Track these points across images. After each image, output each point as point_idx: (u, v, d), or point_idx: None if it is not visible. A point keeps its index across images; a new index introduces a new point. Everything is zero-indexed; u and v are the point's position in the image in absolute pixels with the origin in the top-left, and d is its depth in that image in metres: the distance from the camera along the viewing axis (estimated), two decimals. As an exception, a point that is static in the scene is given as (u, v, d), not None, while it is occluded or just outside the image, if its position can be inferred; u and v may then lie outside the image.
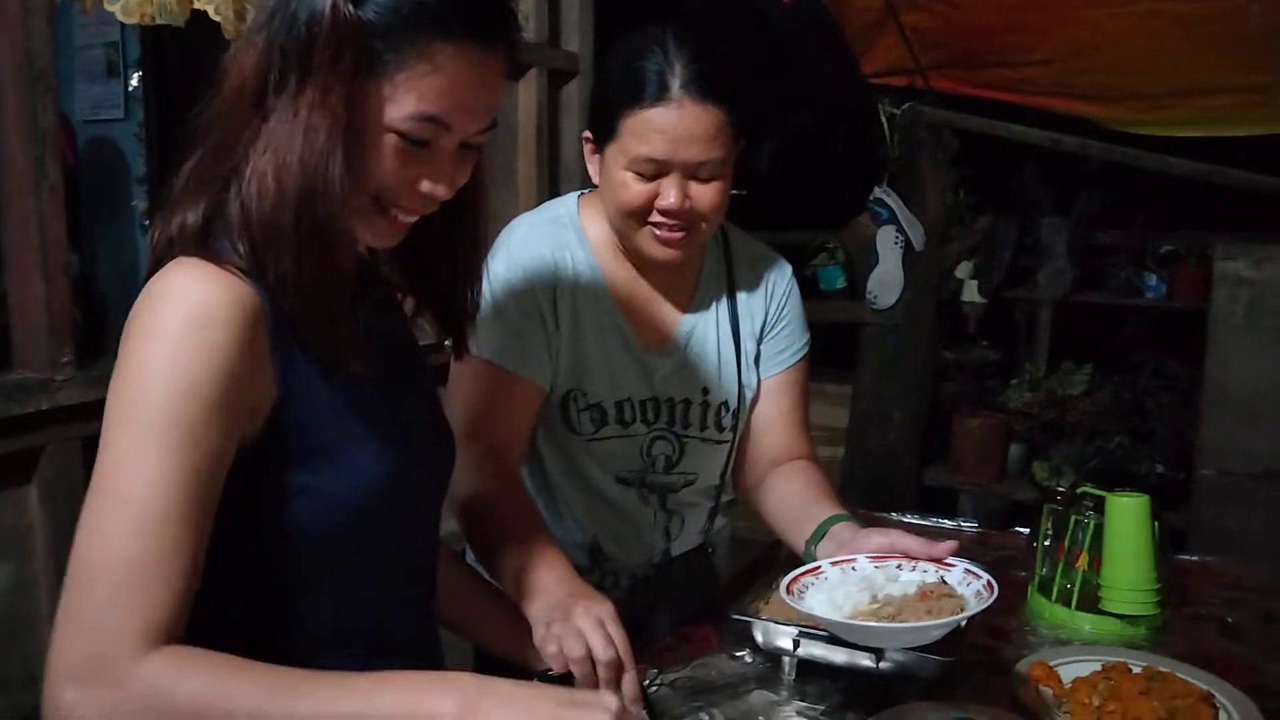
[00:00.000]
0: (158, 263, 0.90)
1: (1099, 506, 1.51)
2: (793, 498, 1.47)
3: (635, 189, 1.31)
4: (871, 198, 3.98)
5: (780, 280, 1.57)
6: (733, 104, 1.30)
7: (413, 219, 0.96)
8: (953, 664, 1.22)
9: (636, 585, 1.56)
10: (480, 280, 1.10)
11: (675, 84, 1.27)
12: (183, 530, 0.82)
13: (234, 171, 0.89)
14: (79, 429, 1.74)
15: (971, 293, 4.18)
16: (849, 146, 4.14)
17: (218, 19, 2.00)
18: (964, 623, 1.15)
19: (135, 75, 2.66)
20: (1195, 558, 1.77)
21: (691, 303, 1.50)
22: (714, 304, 1.51)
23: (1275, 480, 3.12)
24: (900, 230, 3.92)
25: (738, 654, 1.35)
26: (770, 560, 1.63)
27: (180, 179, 0.92)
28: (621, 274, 1.45)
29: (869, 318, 4.04)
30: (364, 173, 0.89)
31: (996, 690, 1.26)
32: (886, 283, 3.95)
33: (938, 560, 1.21)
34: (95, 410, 1.76)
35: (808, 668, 1.28)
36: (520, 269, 1.39)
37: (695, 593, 1.57)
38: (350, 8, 0.85)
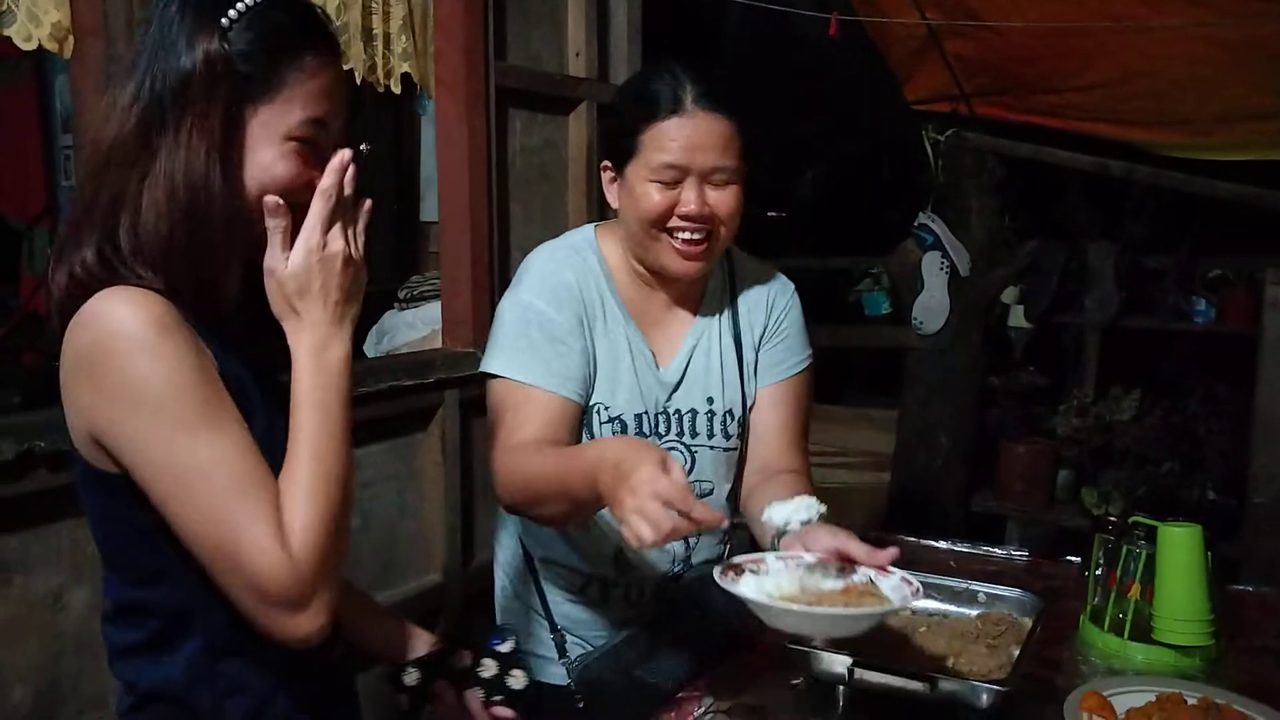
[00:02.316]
0: (65, 302, 1.01)
1: (1151, 536, 1.52)
2: (762, 494, 1.50)
3: (657, 197, 1.43)
4: (916, 224, 3.99)
5: (781, 295, 1.65)
6: (740, 116, 1.44)
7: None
8: (1006, 693, 1.23)
9: (660, 593, 1.60)
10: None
11: (688, 98, 1.41)
12: (268, 479, 0.97)
13: (117, 211, 1.00)
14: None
15: (1018, 318, 4.16)
16: (893, 173, 4.16)
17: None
18: (878, 621, 1.22)
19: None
20: (1250, 588, 1.76)
21: (697, 317, 1.59)
22: (717, 317, 1.60)
23: (1329, 509, 3.08)
24: (945, 256, 3.93)
25: (793, 681, 1.37)
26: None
27: (67, 229, 1.04)
28: (635, 293, 1.55)
29: (914, 343, 4.05)
30: (272, 181, 1.01)
31: (1049, 718, 1.28)
32: (932, 309, 3.96)
33: (878, 567, 1.24)
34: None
35: (861, 696, 1.30)
36: (550, 291, 1.49)
37: (717, 602, 1.60)
38: (220, 49, 0.99)
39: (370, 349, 2.99)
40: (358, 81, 2.32)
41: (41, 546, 1.66)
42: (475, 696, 1.22)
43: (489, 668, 1.22)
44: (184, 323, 0.98)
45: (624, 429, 1.52)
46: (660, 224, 1.45)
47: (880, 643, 1.37)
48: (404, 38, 2.35)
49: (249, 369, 1.07)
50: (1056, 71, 3.63)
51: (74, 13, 1.75)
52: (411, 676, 1.21)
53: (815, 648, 1.31)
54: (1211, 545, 1.51)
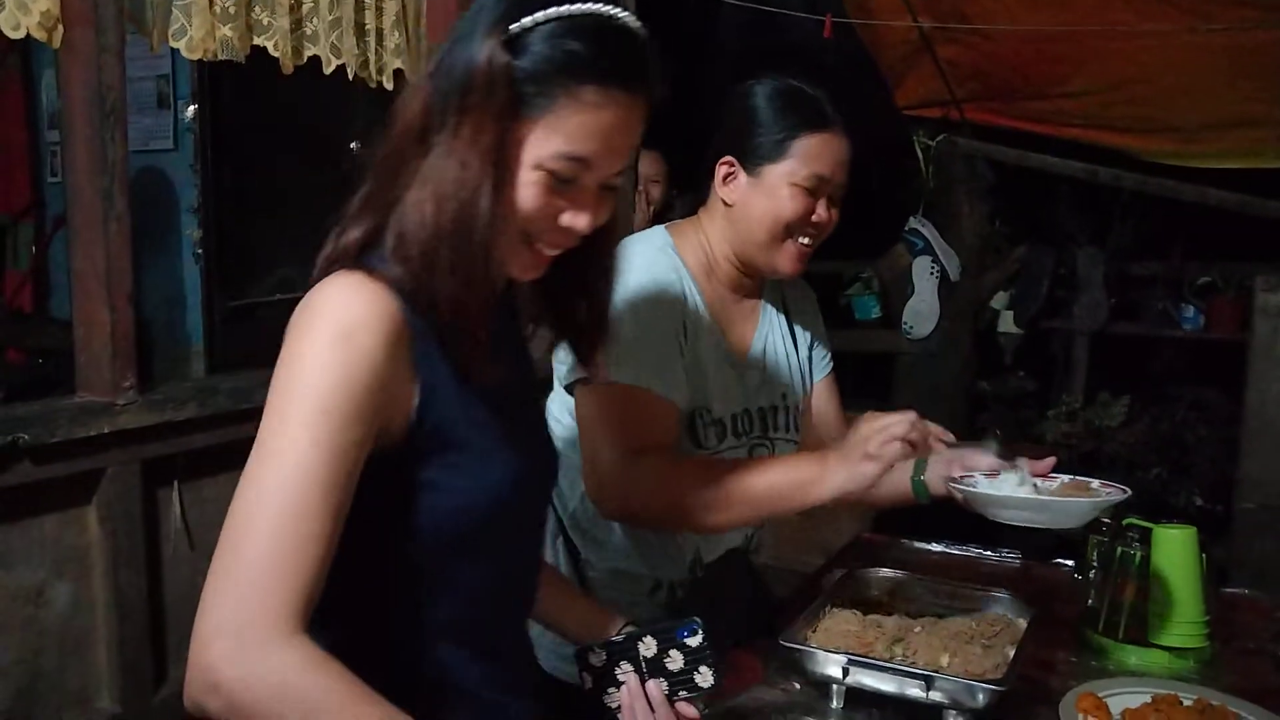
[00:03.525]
0: (322, 274, 0.98)
1: (1145, 538, 1.51)
2: None
3: (802, 202, 1.49)
4: (907, 228, 4.00)
5: (811, 297, 1.78)
6: None
7: (555, 253, 1.04)
8: (1002, 694, 1.23)
9: (686, 585, 1.58)
10: (609, 311, 1.17)
11: (831, 116, 1.49)
12: (323, 512, 0.88)
13: (396, 200, 0.97)
14: (138, 452, 1.79)
15: (1007, 323, 4.17)
16: (884, 177, 4.17)
17: (276, 54, 2.06)
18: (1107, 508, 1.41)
19: (190, 108, 2.74)
20: (1245, 591, 1.76)
21: (760, 318, 1.64)
22: (775, 318, 1.67)
23: (1318, 514, 3.09)
24: (936, 260, 3.94)
25: (785, 685, 1.36)
26: (816, 587, 1.64)
27: (351, 205, 1.02)
28: (713, 295, 1.57)
29: (904, 348, 4.05)
30: (511, 206, 0.97)
31: (1042, 718, 1.27)
32: (922, 313, 3.96)
33: (1042, 474, 1.44)
34: (154, 434, 1.82)
35: (856, 696, 1.29)
36: (651, 296, 1.48)
37: (742, 591, 1.66)
38: (503, 55, 0.94)
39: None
40: (350, 77, 2.31)
41: (24, 541, 1.64)
42: (659, 688, 1.17)
43: (676, 659, 1.17)
44: (394, 333, 0.94)
45: (723, 431, 1.54)
46: (794, 229, 1.50)
47: (875, 643, 1.36)
48: (397, 33, 2.33)
49: (489, 399, 1.02)
50: (1047, 77, 3.64)
51: (64, 2, 1.73)
52: (598, 657, 1.19)
53: (813, 647, 1.30)
54: (1205, 549, 1.51)
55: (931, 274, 3.94)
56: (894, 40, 3.76)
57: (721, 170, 1.53)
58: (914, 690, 1.24)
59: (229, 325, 2.72)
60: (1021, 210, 4.16)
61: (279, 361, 0.93)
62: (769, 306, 1.66)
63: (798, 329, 1.70)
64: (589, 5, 0.96)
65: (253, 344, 2.66)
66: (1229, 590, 1.74)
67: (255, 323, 2.72)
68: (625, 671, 1.17)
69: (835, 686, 1.29)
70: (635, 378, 1.40)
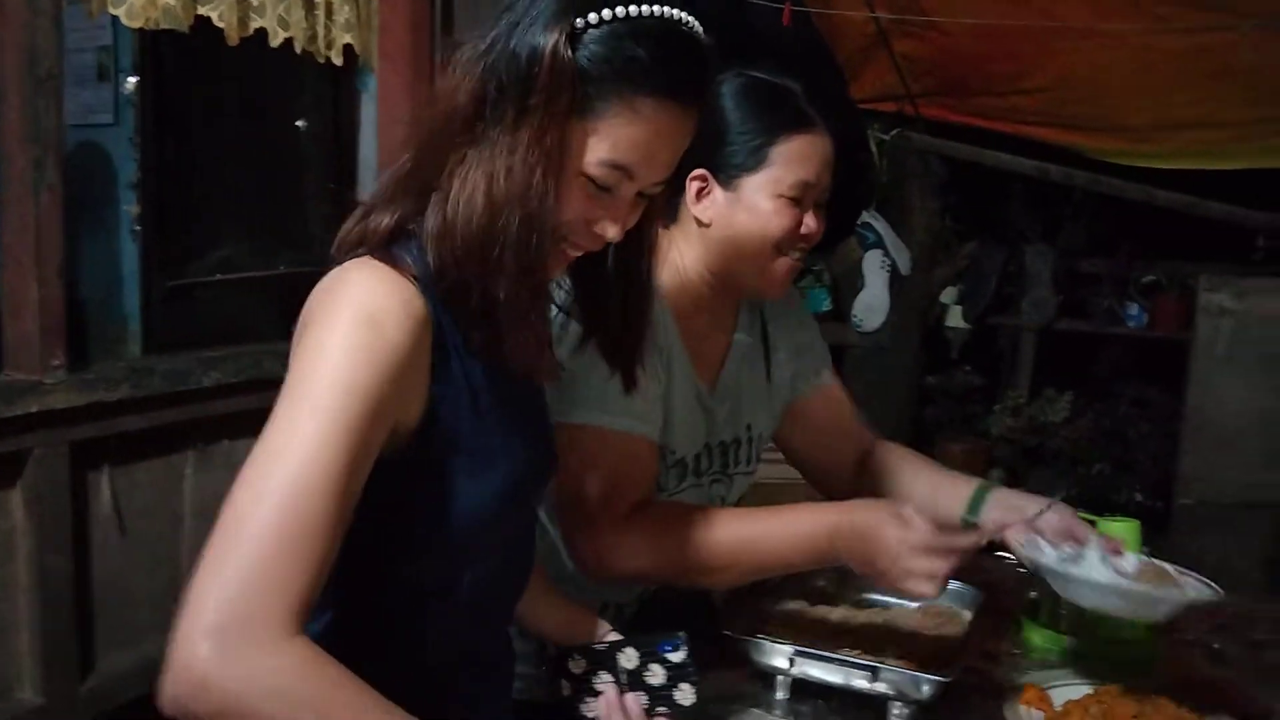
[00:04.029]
0: (345, 255, 0.95)
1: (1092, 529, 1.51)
2: (916, 473, 1.57)
3: (788, 215, 1.33)
4: (859, 222, 4.01)
5: (796, 301, 1.64)
6: None
7: (578, 254, 1.00)
8: (946, 685, 1.22)
9: (634, 606, 1.54)
10: (645, 317, 1.13)
11: (813, 112, 1.34)
12: (330, 508, 0.83)
13: (434, 187, 0.94)
14: (67, 433, 1.73)
15: (956, 318, 4.21)
16: (838, 170, 4.18)
17: (221, 25, 2.00)
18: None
19: (130, 80, 2.66)
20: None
21: (734, 337, 1.49)
22: (750, 339, 1.51)
23: (1254, 510, 3.15)
24: (887, 255, 3.96)
25: (731, 673, 1.35)
26: (762, 582, 1.62)
27: (382, 184, 0.98)
28: (686, 320, 1.40)
29: (854, 341, 4.07)
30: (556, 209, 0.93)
31: (989, 712, 1.27)
32: (872, 306, 3.98)
33: (1113, 551, 1.35)
34: (85, 414, 1.76)
35: (802, 687, 1.28)
36: None
37: (692, 613, 1.56)
38: (569, 52, 0.89)
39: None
40: (297, 50, 2.25)
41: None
42: (638, 701, 1.13)
43: (657, 674, 1.14)
44: (417, 328, 0.90)
45: (684, 472, 1.41)
46: (783, 246, 1.35)
47: (821, 633, 1.35)
48: (347, 8, 2.28)
49: (502, 398, 0.99)
50: (1001, 74, 3.67)
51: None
52: (578, 664, 1.15)
53: (759, 638, 1.28)
54: (1146, 542, 1.52)
55: (883, 268, 3.96)
56: (852, 32, 3.77)
57: (693, 186, 1.35)
58: (860, 681, 1.23)
59: (168, 305, 2.64)
60: (972, 206, 4.19)
61: (297, 346, 0.89)
62: (744, 327, 1.50)
63: (775, 347, 1.55)
64: (656, 7, 0.92)
65: (192, 325, 2.59)
66: (1168, 584, 1.76)
67: (195, 303, 2.65)
68: (604, 682, 1.14)
69: (781, 678, 1.28)
70: (629, 424, 1.27)
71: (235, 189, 2.81)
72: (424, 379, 0.93)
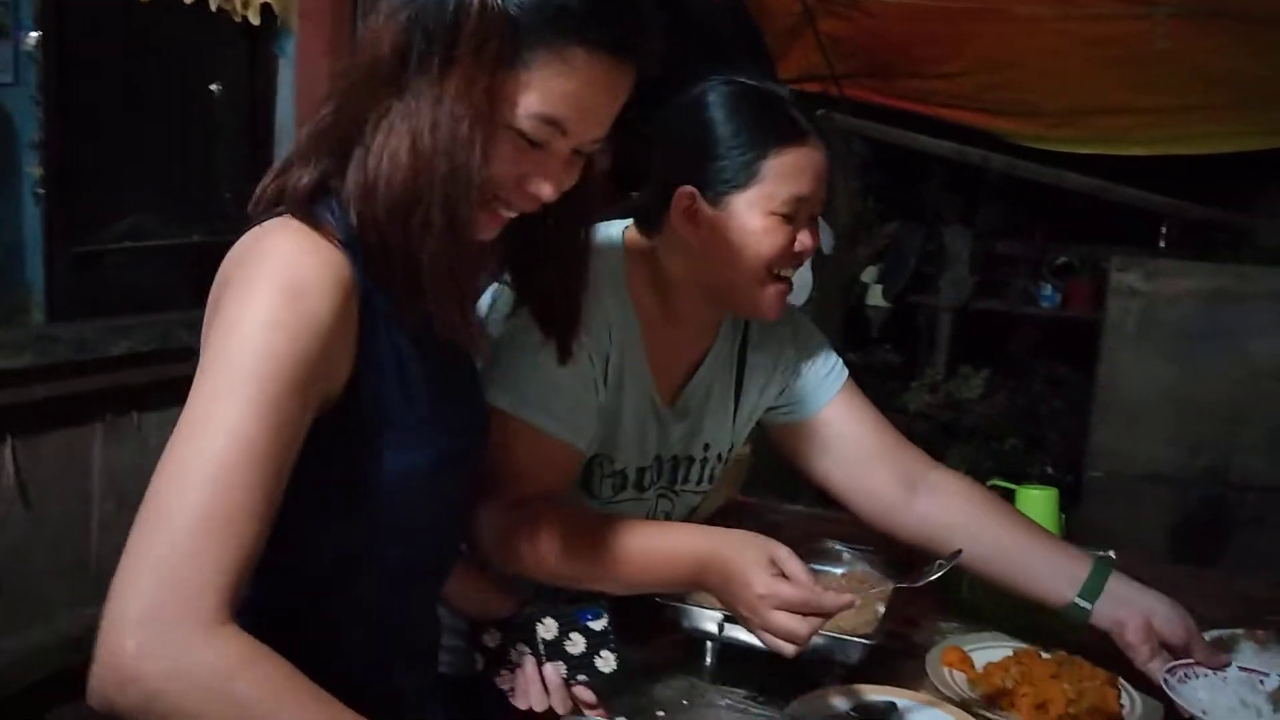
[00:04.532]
0: (261, 213, 0.91)
1: (1009, 499, 1.55)
2: (1002, 527, 1.39)
3: (782, 234, 1.25)
4: (783, 200, 4.03)
5: (793, 321, 1.51)
6: None
7: (511, 215, 0.96)
8: (872, 648, 1.24)
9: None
10: (580, 285, 1.10)
11: (804, 122, 1.26)
12: (258, 488, 0.79)
13: (355, 142, 0.90)
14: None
15: (876, 297, 4.28)
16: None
17: (129, -22, 1.91)
18: None
19: (33, 34, 2.53)
20: (1098, 554, 1.83)
21: (709, 354, 1.42)
22: (726, 360, 1.44)
23: (1159, 482, 3.27)
24: (811, 233, 3.99)
25: (660, 639, 1.35)
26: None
27: (301, 138, 0.94)
28: (657, 332, 1.34)
29: (778, 318, 4.10)
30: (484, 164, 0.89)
31: (911, 674, 1.29)
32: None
33: (1217, 666, 1.25)
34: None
35: (730, 653, 1.28)
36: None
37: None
38: (498, 1, 0.86)
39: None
40: (213, 9, 2.17)
41: None
42: (557, 671, 1.12)
43: (577, 643, 1.12)
44: (343, 295, 0.86)
45: (624, 483, 1.36)
46: (776, 265, 1.26)
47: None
48: (264, -35, 2.20)
49: (431, 367, 0.96)
50: (924, 58, 3.73)
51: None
52: (493, 637, 1.13)
53: (688, 604, 1.28)
54: (1064, 509, 1.56)
55: (807, 246, 4.00)
56: (778, 12, 3.78)
57: (680, 204, 1.26)
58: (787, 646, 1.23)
59: (73, 273, 2.54)
60: (893, 187, 4.26)
61: (213, 317, 0.85)
62: (722, 346, 1.42)
63: (751, 366, 1.45)
64: None
65: (100, 293, 2.49)
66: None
67: (103, 271, 2.54)
68: (522, 654, 1.13)
69: (710, 643, 1.28)
70: (545, 422, 1.21)
71: (145, 153, 2.71)
72: (350, 348, 0.89)
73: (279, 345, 0.82)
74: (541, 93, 0.88)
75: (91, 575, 1.74)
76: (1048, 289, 4.04)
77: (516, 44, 0.87)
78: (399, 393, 0.94)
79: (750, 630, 1.09)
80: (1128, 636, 1.25)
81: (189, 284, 2.77)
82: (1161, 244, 3.93)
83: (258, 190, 0.94)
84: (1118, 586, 1.30)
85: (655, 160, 0.98)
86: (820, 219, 1.40)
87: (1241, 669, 1.24)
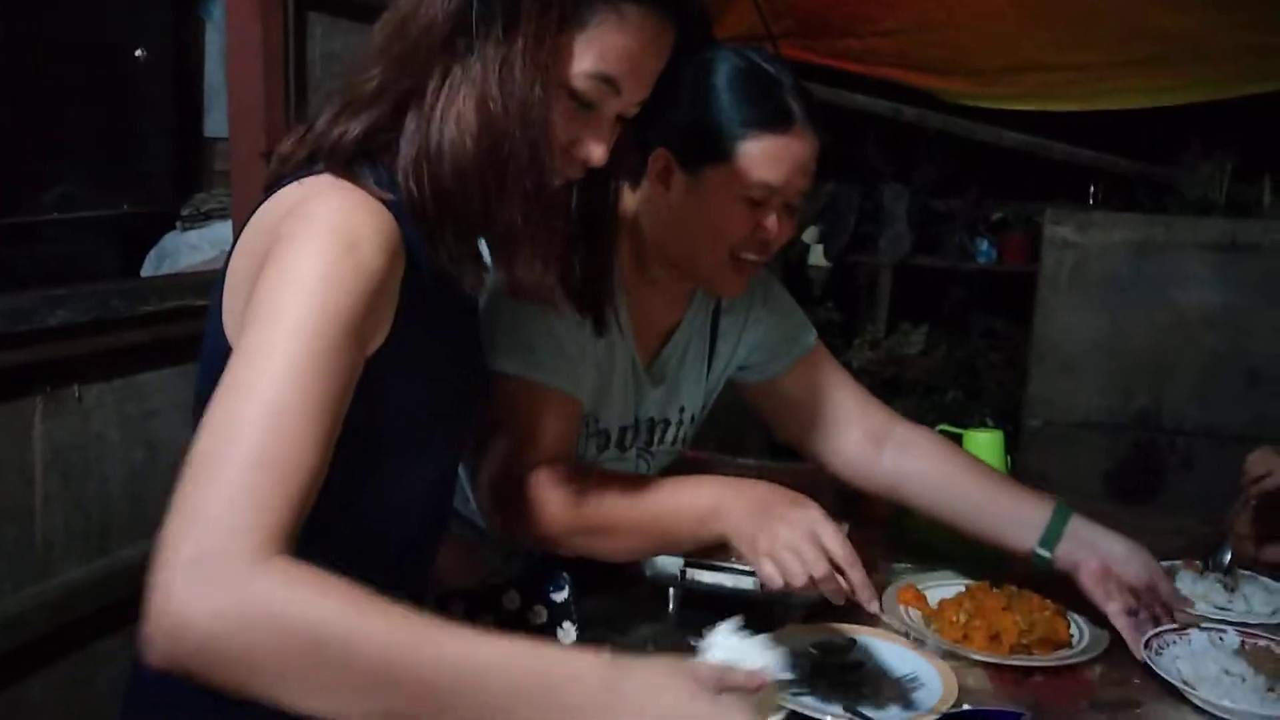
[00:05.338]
0: (291, 172, 0.90)
1: (957, 443, 1.59)
2: (963, 477, 1.43)
3: (747, 217, 1.25)
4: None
5: (761, 280, 1.52)
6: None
7: (560, 182, 0.96)
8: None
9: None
10: (610, 257, 1.11)
11: (798, 113, 1.25)
12: (311, 433, 0.78)
13: (412, 105, 0.89)
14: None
15: (817, 256, 4.33)
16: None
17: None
18: None
19: (-55, -2, 2.44)
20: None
21: (684, 318, 1.43)
22: (701, 323, 1.46)
23: (1094, 429, 3.37)
24: (751, 194, 4.01)
25: (624, 588, 1.36)
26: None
27: (348, 92, 0.92)
28: (636, 291, 1.35)
29: (720, 279, 4.12)
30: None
31: (869, 613, 1.32)
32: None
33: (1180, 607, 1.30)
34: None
35: (692, 596, 1.30)
36: None
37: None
38: None
39: (150, 273, 2.76)
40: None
41: None
42: None
43: (540, 615, 1.14)
44: (393, 251, 0.86)
45: (606, 443, 1.36)
46: (738, 248, 1.27)
47: (708, 547, 1.38)
48: (190, -77, 2.14)
49: (454, 318, 0.99)
50: (860, 16, 3.74)
51: None
52: (458, 607, 1.13)
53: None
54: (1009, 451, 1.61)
55: (747, 207, 4.02)
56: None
57: (656, 164, 1.27)
58: (748, 585, 1.26)
59: (1, 246, 2.46)
60: (830, 148, 4.28)
61: (266, 271, 0.83)
62: (697, 311, 1.44)
63: (723, 332, 1.48)
64: None
65: (29, 266, 2.42)
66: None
67: (32, 243, 2.47)
68: (487, 624, 1.13)
69: (672, 590, 1.30)
70: (547, 375, 1.21)
71: (70, 123, 2.62)
72: (393, 305, 0.89)
73: (335, 297, 0.81)
74: (599, 50, 0.89)
75: (37, 551, 1.71)
76: (984, 244, 4.12)
77: (577, 2, 0.88)
78: (429, 345, 0.95)
79: (762, 549, 1.06)
80: (1083, 581, 1.30)
81: (119, 254, 2.71)
82: (1090, 201, 4.02)
83: (283, 148, 0.94)
84: (1078, 530, 1.33)
85: (644, 115, 0.98)
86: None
87: (1204, 628, 1.28)
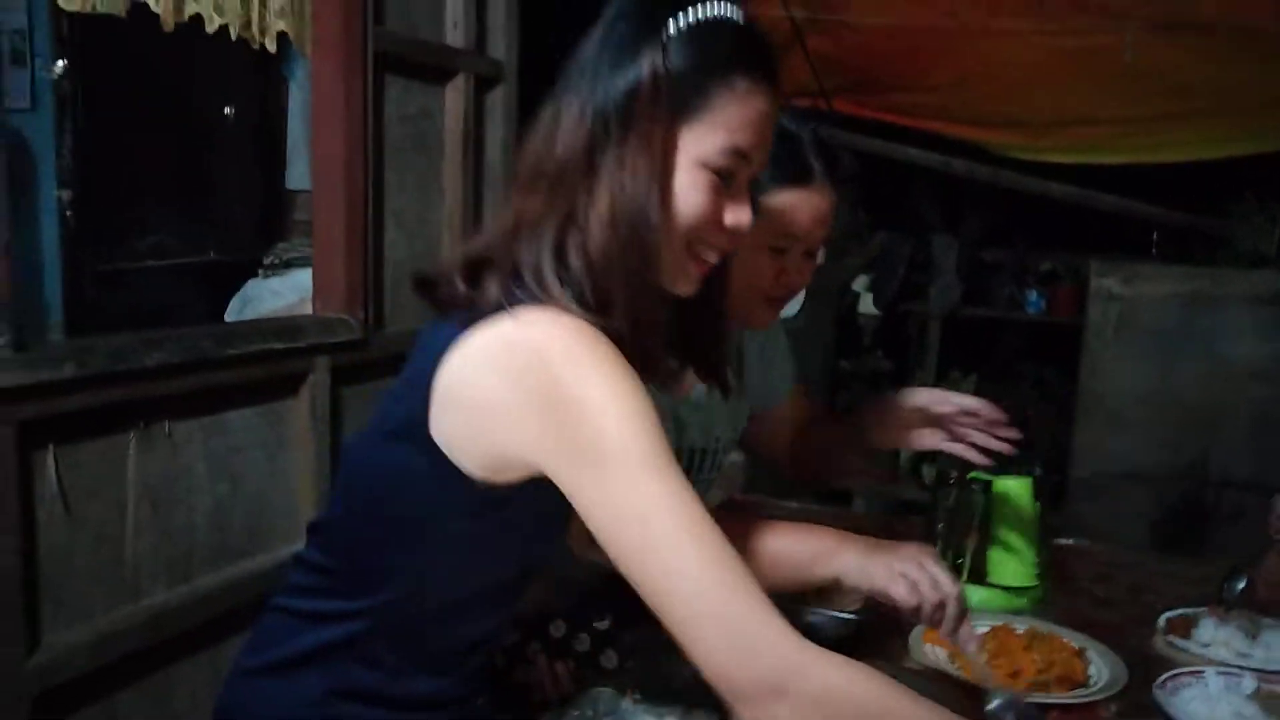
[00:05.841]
0: (475, 314, 0.93)
1: (987, 489, 1.66)
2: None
3: (769, 265, 1.35)
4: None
5: (775, 333, 1.66)
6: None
7: (714, 260, 1.01)
8: (859, 624, 1.34)
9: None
10: (725, 330, 1.16)
11: (817, 169, 1.34)
12: (724, 540, 0.88)
13: (572, 227, 0.95)
14: (15, 412, 1.75)
15: (867, 305, 4.39)
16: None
17: (157, 10, 2.03)
18: None
19: (58, 62, 2.64)
20: (1071, 541, 1.94)
21: None
22: (731, 349, 1.51)
23: (1142, 480, 3.38)
24: (803, 244, 4.09)
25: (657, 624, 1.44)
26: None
27: (497, 243, 0.98)
28: None
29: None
30: (678, 211, 0.95)
31: (895, 648, 1.39)
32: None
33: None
34: (31, 393, 1.76)
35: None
36: None
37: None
38: (663, 63, 0.93)
39: (233, 317, 2.93)
40: (232, 38, 2.29)
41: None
42: (566, 668, 1.21)
43: (583, 642, 1.22)
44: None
45: None
46: (767, 293, 1.37)
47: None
48: (280, -4, 2.32)
49: None
50: (908, 72, 3.84)
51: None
52: (510, 636, 1.21)
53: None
54: (1040, 497, 1.67)
55: (799, 256, 4.10)
56: (769, 30, 3.89)
57: None
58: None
59: (95, 291, 2.65)
60: (881, 199, 4.37)
61: (568, 409, 0.88)
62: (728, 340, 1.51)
63: (749, 366, 1.58)
64: (718, 6, 0.96)
65: (121, 312, 2.59)
66: (1060, 541, 1.92)
67: (127, 288, 2.65)
68: (535, 651, 1.23)
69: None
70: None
71: (163, 176, 2.81)
72: None
73: (646, 415, 0.88)
74: (725, 126, 0.94)
75: (127, 575, 1.84)
76: (1033, 295, 4.15)
77: (690, 94, 0.94)
78: None
79: (893, 566, 1.15)
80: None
81: (205, 298, 2.88)
82: (1152, 251, 4.03)
83: (450, 291, 0.98)
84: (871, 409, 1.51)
85: None
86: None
87: (1220, 673, 1.31)
